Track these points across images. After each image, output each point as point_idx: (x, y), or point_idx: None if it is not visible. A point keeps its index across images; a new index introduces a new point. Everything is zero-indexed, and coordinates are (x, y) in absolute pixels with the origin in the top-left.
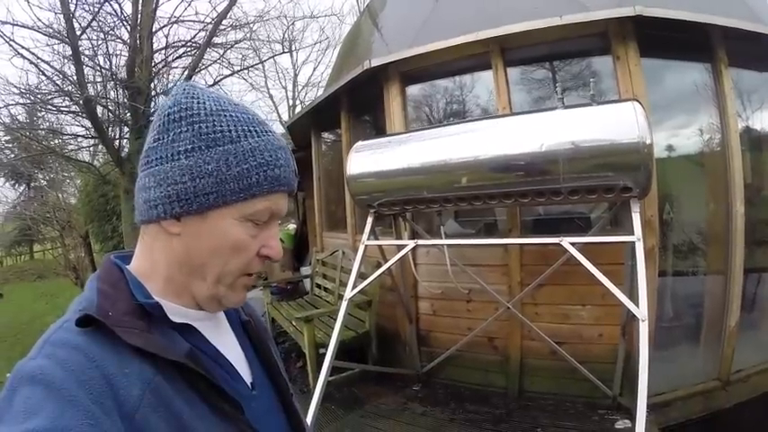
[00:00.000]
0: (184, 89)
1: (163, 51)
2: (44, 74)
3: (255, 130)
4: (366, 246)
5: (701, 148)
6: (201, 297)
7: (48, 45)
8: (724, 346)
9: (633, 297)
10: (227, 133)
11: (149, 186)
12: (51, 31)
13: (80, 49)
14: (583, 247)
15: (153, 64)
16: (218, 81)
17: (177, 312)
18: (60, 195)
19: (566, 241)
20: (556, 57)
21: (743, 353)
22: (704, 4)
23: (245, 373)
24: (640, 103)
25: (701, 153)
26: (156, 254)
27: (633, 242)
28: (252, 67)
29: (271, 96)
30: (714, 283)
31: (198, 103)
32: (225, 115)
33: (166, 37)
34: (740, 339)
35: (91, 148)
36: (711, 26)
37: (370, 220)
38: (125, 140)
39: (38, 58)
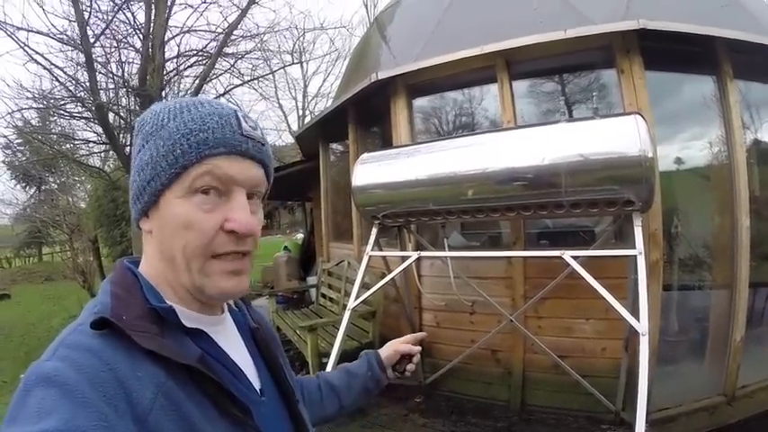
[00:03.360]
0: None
1: (174, 60)
2: (57, 79)
3: (187, 109)
4: (370, 256)
5: (708, 161)
6: (189, 289)
7: (61, 51)
8: (729, 361)
9: (636, 311)
10: (160, 122)
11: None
12: (65, 38)
13: (93, 56)
14: (587, 261)
15: (165, 72)
16: (229, 90)
17: (190, 317)
18: (70, 199)
19: (567, 254)
20: (561, 70)
21: (749, 368)
22: (709, 16)
23: (254, 379)
24: (643, 116)
25: (708, 166)
26: (148, 255)
27: (635, 256)
28: (262, 77)
29: (281, 106)
30: (719, 297)
31: (151, 111)
32: (165, 110)
33: (178, 46)
34: (746, 354)
35: (102, 154)
36: (716, 38)
37: (374, 231)
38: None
39: (51, 63)
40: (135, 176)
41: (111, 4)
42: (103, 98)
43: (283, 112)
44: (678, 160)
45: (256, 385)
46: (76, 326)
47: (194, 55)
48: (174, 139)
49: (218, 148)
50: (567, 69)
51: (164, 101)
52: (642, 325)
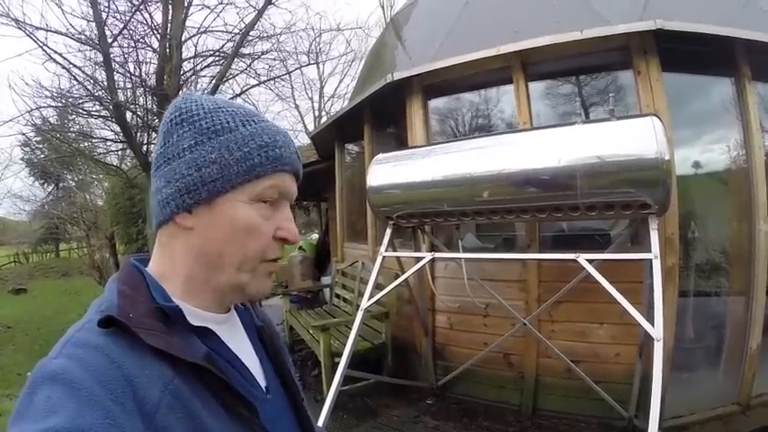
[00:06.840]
0: (183, 97)
1: (191, 60)
2: (76, 79)
3: (252, 120)
4: (384, 257)
5: (726, 165)
6: (224, 289)
7: (80, 51)
8: (744, 369)
9: (652, 316)
10: (226, 124)
11: (161, 187)
12: (83, 37)
13: (111, 55)
14: (602, 265)
15: (182, 72)
16: (245, 90)
17: (196, 315)
18: (88, 196)
19: (582, 258)
20: (577, 71)
21: (764, 377)
22: (727, 16)
23: (260, 378)
24: (659, 118)
25: (726, 170)
26: (175, 253)
27: (651, 260)
28: (278, 77)
29: (297, 107)
30: (736, 304)
31: (196, 105)
32: (222, 111)
33: (195, 46)
34: (762, 363)
35: (119, 152)
36: (734, 39)
37: (388, 231)
38: (152, 146)
39: (70, 63)
40: (188, 171)
41: (129, 4)
42: (121, 97)
43: (299, 113)
44: (696, 164)
45: (262, 383)
46: (83, 324)
47: (211, 55)
48: (251, 147)
49: (286, 166)
50: (584, 70)
51: (196, 94)
52: (656, 330)
